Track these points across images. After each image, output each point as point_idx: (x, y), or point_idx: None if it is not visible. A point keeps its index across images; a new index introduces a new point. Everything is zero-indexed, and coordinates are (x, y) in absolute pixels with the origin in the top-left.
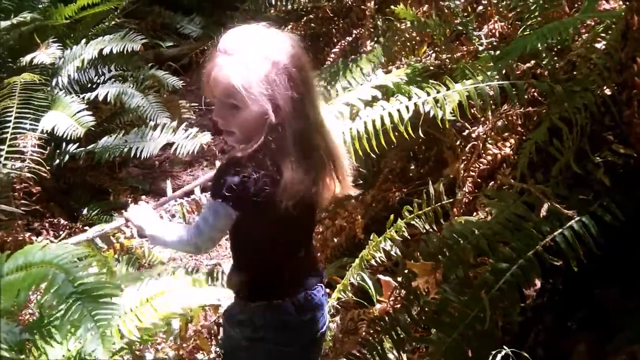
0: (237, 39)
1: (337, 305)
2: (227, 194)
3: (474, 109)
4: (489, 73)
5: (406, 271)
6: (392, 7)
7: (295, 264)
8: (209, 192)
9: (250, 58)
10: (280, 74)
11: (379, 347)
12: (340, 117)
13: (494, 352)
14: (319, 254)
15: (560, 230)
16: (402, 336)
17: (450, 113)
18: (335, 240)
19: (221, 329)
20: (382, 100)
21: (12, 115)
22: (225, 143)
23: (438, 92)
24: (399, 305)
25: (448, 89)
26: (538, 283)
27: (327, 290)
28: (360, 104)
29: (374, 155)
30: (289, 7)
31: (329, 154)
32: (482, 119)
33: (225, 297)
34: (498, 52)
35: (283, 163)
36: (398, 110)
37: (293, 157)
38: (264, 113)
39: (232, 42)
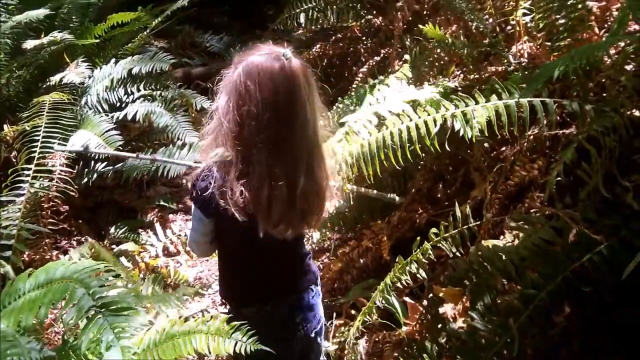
0: None
1: (363, 328)
2: (196, 198)
3: (502, 129)
4: (518, 94)
5: (431, 295)
6: (421, 27)
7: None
8: None
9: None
10: (236, 87)
11: None
12: (369, 126)
13: None
14: (345, 275)
15: (589, 256)
16: None
17: (478, 131)
18: (361, 261)
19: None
20: (409, 110)
21: (40, 134)
22: None
23: (467, 105)
24: (425, 332)
25: (477, 103)
26: (567, 309)
27: (352, 312)
28: (389, 116)
29: (399, 169)
30: (318, 27)
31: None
32: (510, 139)
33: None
34: (527, 72)
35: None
36: (425, 123)
37: (235, 167)
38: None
39: None
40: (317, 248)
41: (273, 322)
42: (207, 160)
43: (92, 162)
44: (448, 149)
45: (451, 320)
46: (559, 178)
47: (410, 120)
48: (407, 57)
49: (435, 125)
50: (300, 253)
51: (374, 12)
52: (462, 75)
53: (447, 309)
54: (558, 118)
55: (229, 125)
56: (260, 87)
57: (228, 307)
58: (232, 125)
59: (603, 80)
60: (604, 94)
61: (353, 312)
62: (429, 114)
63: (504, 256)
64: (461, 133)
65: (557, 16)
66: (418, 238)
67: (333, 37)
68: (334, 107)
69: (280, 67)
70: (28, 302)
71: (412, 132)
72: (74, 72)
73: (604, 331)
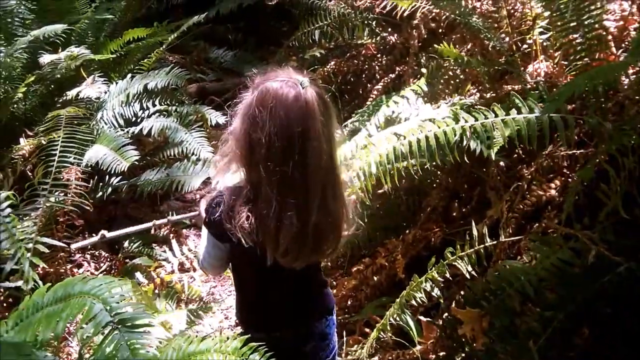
0: None
1: (376, 345)
2: (209, 223)
3: (518, 148)
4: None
5: (446, 315)
6: (436, 45)
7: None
8: None
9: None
10: (249, 112)
11: None
12: (387, 142)
13: None
14: (359, 292)
15: (608, 277)
16: None
17: (496, 151)
18: (375, 279)
19: None
20: (428, 122)
21: (57, 149)
22: None
23: (486, 117)
24: (442, 353)
25: (496, 116)
26: (586, 331)
27: (366, 329)
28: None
29: (414, 186)
30: (333, 44)
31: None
32: (527, 158)
33: None
34: (543, 91)
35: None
36: (445, 133)
37: (244, 192)
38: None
39: None
40: (330, 265)
41: (283, 350)
42: (219, 185)
43: (107, 177)
44: (467, 160)
45: (470, 341)
46: (577, 198)
47: (430, 130)
48: (424, 70)
49: (455, 135)
50: (316, 281)
51: (389, 29)
52: (478, 94)
53: (466, 330)
54: (576, 137)
55: (241, 150)
56: (273, 114)
57: (240, 329)
58: (243, 150)
59: (621, 101)
60: (623, 114)
61: (367, 330)
62: (447, 125)
63: (522, 277)
64: (477, 152)
65: (575, 35)
66: (433, 257)
67: (348, 54)
68: (349, 121)
69: (295, 96)
70: (46, 316)
71: (431, 142)
72: (90, 87)
73: (617, 337)
